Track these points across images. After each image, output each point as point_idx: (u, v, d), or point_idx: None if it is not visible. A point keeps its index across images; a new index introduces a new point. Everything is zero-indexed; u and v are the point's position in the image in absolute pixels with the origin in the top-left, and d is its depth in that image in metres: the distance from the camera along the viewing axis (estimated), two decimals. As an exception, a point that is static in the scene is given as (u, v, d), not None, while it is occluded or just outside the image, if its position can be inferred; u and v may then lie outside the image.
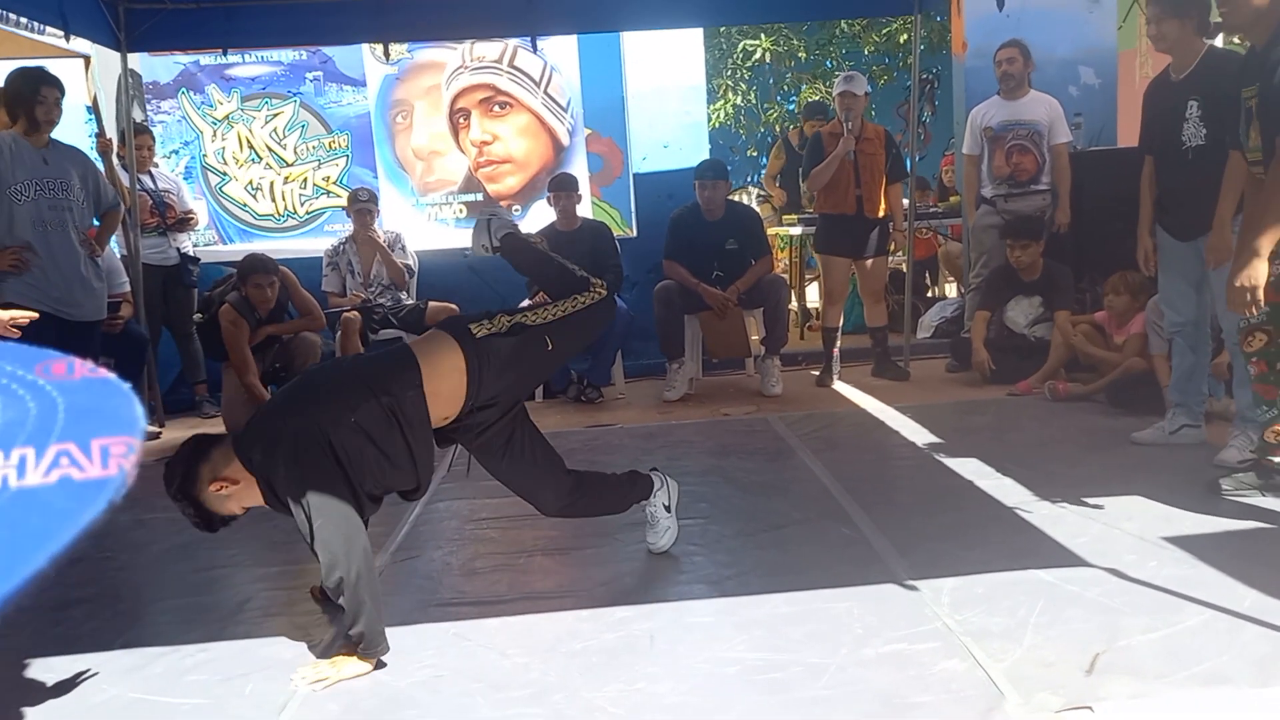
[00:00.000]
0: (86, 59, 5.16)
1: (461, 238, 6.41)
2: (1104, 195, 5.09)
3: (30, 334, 3.88)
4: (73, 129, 4.11)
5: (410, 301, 5.69)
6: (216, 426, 5.29)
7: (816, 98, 9.89)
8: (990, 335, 5.28)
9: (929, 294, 7.57)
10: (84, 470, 0.31)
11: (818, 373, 5.64)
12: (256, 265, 4.91)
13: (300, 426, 2.24)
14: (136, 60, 5.91)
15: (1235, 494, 3.15)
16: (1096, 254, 5.27)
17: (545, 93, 6.36)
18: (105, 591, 2.99)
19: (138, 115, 5.92)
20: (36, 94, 3.86)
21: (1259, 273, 2.85)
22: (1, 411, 0.33)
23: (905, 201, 5.86)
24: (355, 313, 5.39)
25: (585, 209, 5.99)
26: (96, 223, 4.48)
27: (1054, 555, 2.73)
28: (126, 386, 0.35)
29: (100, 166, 4.54)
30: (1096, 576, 2.56)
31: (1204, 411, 3.86)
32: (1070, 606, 2.38)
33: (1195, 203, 3.52)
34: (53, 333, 3.97)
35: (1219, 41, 4.19)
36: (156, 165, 5.76)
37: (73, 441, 0.32)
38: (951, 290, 7.66)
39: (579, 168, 6.31)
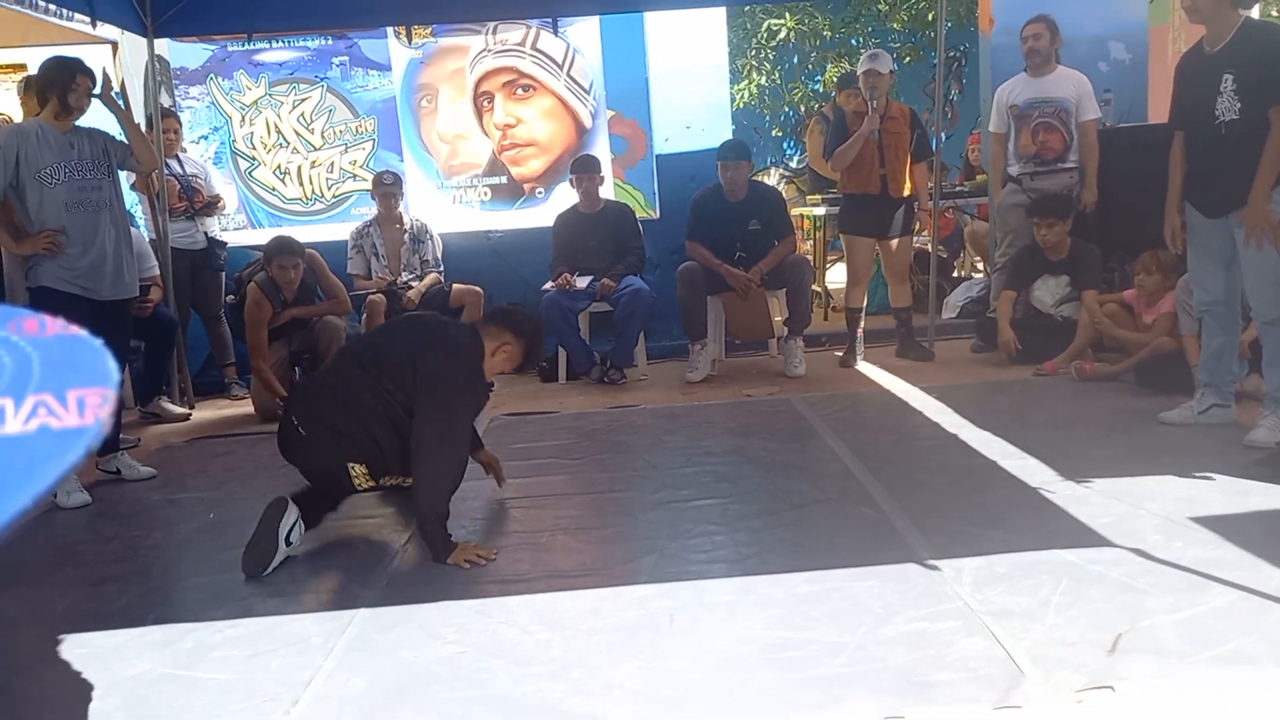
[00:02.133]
0: (114, 45, 5.21)
1: (485, 220, 6.44)
2: (1133, 173, 5.01)
3: (63, 313, 3.95)
4: (102, 115, 4.15)
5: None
6: (245, 408, 5.37)
7: (844, 73, 9.80)
8: (1016, 315, 5.23)
9: (954, 274, 7.50)
10: (61, 419, 0.32)
11: (841, 353, 5.62)
12: (282, 247, 4.97)
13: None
14: (164, 47, 5.96)
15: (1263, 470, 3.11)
16: (1125, 233, 5.20)
17: (568, 75, 6.35)
18: (136, 569, 3.05)
19: (165, 101, 5.97)
20: (71, 80, 3.92)
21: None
22: None
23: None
24: (380, 295, 5.43)
25: (608, 191, 5.99)
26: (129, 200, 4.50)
27: (1077, 535, 2.71)
28: (97, 342, 0.36)
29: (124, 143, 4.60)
30: (1120, 556, 2.54)
31: (1234, 391, 3.80)
32: (1093, 586, 2.37)
33: (1227, 179, 3.45)
34: (85, 313, 4.04)
35: (1255, 12, 4.10)
36: (184, 150, 5.82)
37: (49, 392, 0.33)
38: (978, 270, 7.58)
39: (601, 150, 6.30)
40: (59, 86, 3.91)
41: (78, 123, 4.02)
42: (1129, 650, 2.05)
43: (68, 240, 3.95)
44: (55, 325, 0.36)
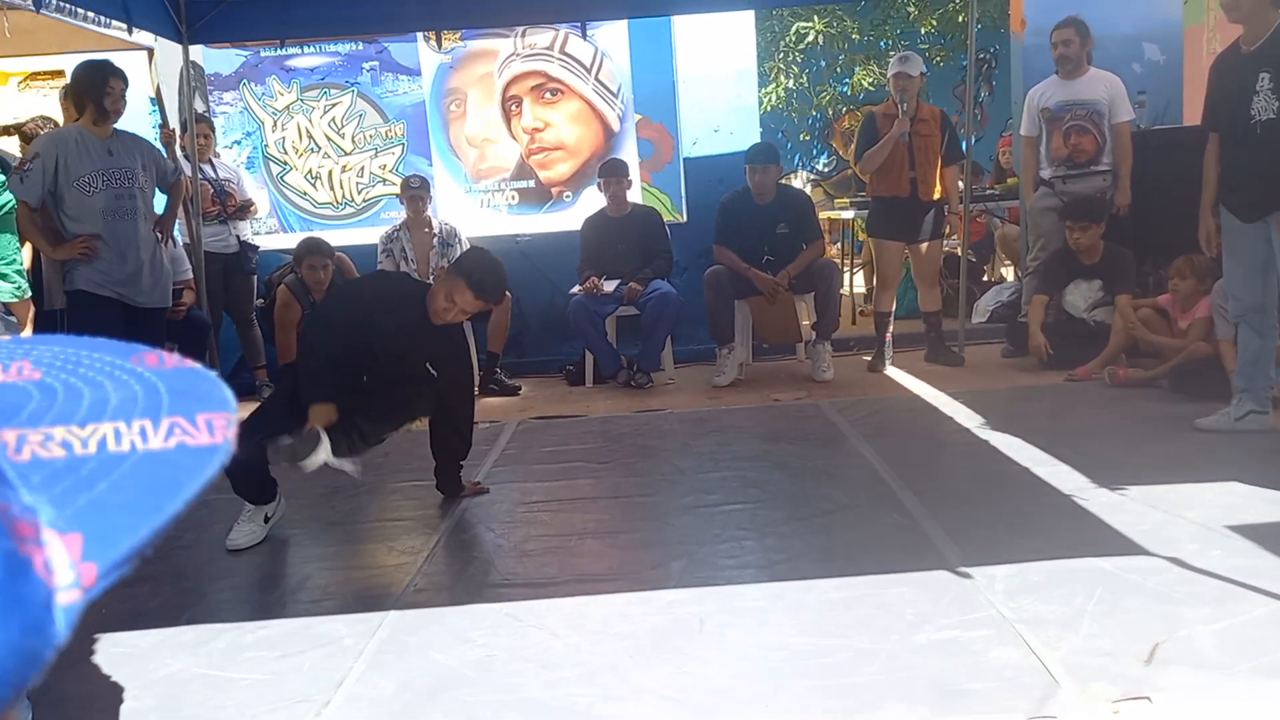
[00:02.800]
0: (150, 51, 5.29)
1: (513, 224, 6.46)
2: (1168, 175, 4.94)
3: (99, 319, 4.02)
4: (137, 120, 4.22)
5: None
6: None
7: (870, 80, 9.74)
8: (1048, 319, 5.17)
9: (984, 278, 7.43)
10: (195, 438, 0.35)
11: (870, 358, 5.58)
12: (311, 248, 5.06)
13: None
14: (199, 53, 6.04)
15: None
16: (1159, 236, 5.12)
17: (596, 79, 6.36)
18: (170, 569, 3.09)
19: (199, 106, 6.05)
20: (105, 84, 3.98)
21: None
22: (113, 392, 0.37)
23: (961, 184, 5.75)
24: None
25: (635, 195, 5.99)
26: (161, 204, 4.59)
27: (1113, 543, 2.68)
28: (211, 373, 0.39)
29: (161, 151, 4.67)
30: (1157, 565, 2.51)
31: (1271, 397, 3.74)
32: (1129, 595, 2.34)
33: (1263, 180, 3.40)
34: (120, 319, 4.10)
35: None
36: (217, 155, 5.89)
37: (181, 415, 0.36)
38: (1008, 274, 7.51)
39: (629, 153, 6.30)
40: (94, 91, 3.97)
41: (116, 126, 4.08)
42: (1166, 661, 2.02)
43: (105, 247, 4.01)
44: (172, 359, 0.40)
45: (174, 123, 5.47)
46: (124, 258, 4.03)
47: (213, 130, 5.85)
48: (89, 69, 4.05)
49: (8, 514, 0.30)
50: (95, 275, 4.01)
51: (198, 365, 0.40)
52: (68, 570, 0.31)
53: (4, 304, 3.86)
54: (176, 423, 0.35)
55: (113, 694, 2.22)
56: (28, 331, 2.93)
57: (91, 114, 4.00)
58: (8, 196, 3.88)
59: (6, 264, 3.91)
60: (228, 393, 0.38)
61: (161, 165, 4.40)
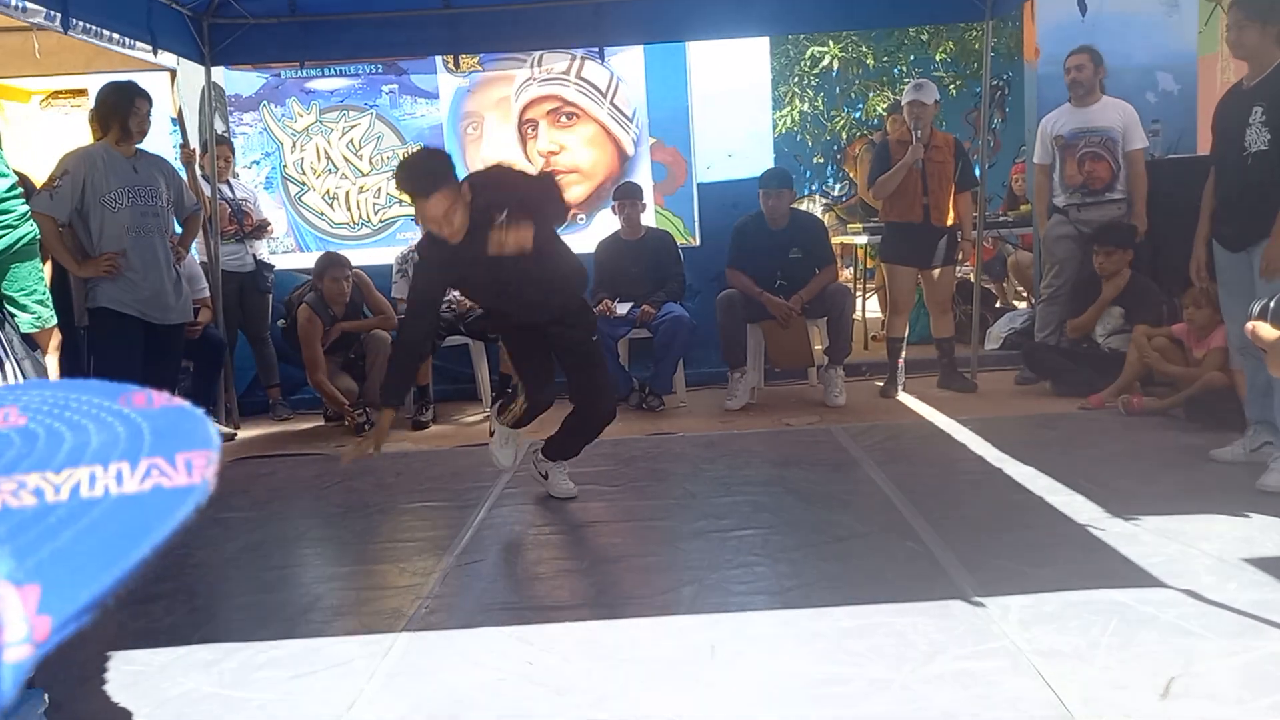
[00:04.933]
0: (172, 73, 5.36)
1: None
2: (1182, 204, 4.92)
3: (121, 335, 4.06)
4: (158, 140, 4.29)
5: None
6: (289, 429, 5.44)
7: (884, 105, 9.78)
8: (1063, 344, 5.17)
9: (996, 303, 7.43)
10: (172, 479, 0.35)
11: (882, 384, 5.57)
12: (332, 261, 5.27)
13: None
14: (220, 74, 6.11)
15: None
16: (1174, 265, 5.11)
17: (611, 103, 6.41)
18: (182, 588, 3.10)
19: (220, 127, 6.12)
20: (131, 105, 4.05)
21: None
22: (96, 434, 0.37)
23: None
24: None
25: (649, 218, 6.01)
26: (178, 229, 4.67)
27: (1128, 575, 2.66)
28: (200, 411, 0.40)
29: (183, 175, 4.73)
30: (1172, 598, 2.49)
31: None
32: (1145, 628, 2.32)
33: (1249, 211, 3.42)
34: (140, 336, 4.14)
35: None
36: (236, 175, 5.96)
37: (160, 456, 0.36)
38: (1020, 304, 7.50)
39: (643, 177, 6.34)
40: (120, 112, 4.03)
41: (141, 146, 4.15)
42: (1182, 695, 2.00)
43: (128, 264, 4.05)
44: (160, 398, 0.41)
45: (194, 143, 5.53)
46: (146, 275, 4.08)
47: (233, 152, 5.92)
48: (115, 90, 4.12)
49: None
50: (118, 293, 4.05)
51: (185, 404, 0.40)
52: (21, 624, 0.31)
53: (27, 335, 3.91)
54: (155, 464, 0.36)
55: (125, 713, 2.23)
56: (53, 358, 2.95)
57: (116, 133, 4.06)
58: (29, 227, 3.94)
59: (27, 294, 3.96)
60: (212, 430, 0.39)
61: (183, 192, 4.46)
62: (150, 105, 4.17)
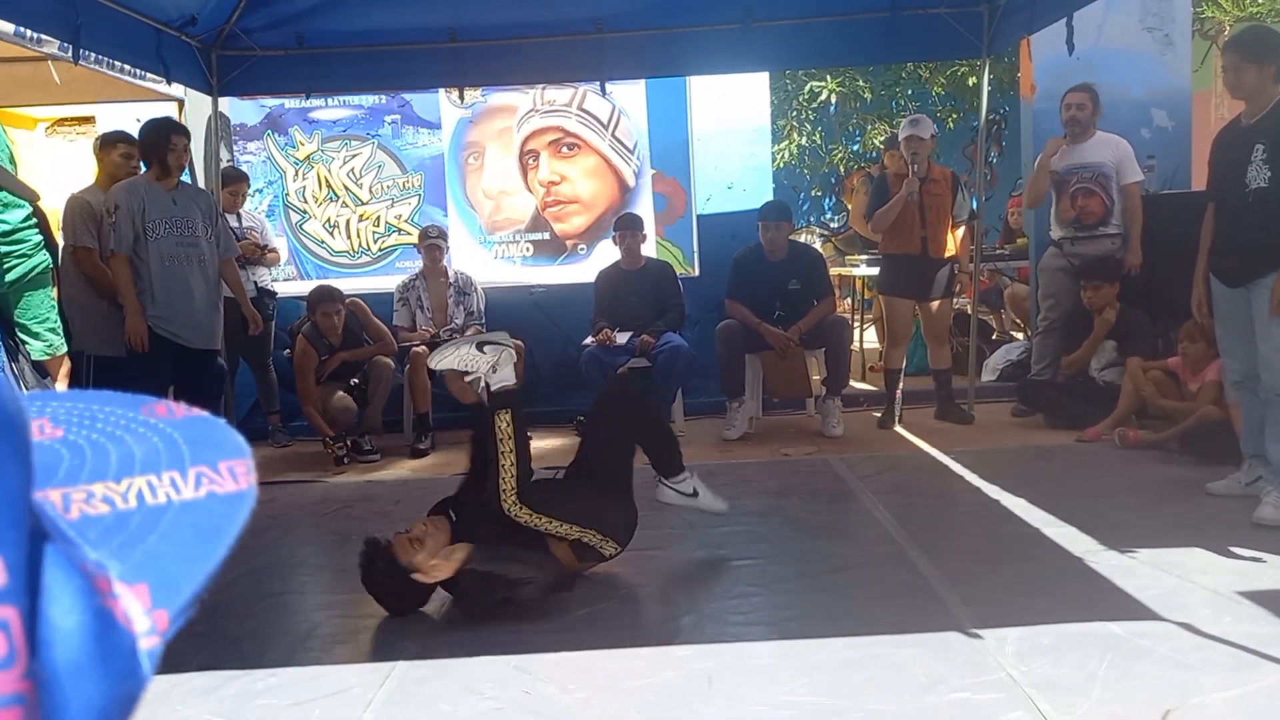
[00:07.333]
0: (180, 102, 5.43)
1: (527, 275, 6.54)
2: (1177, 239, 4.97)
3: (153, 356, 4.21)
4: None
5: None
6: (288, 455, 5.45)
7: (881, 139, 9.89)
8: (1059, 379, 5.20)
9: (993, 336, 7.47)
10: (223, 486, 0.36)
11: (880, 414, 5.60)
12: (323, 295, 5.28)
13: None
14: (225, 104, 6.19)
15: None
16: (1169, 299, 5.16)
17: (613, 135, 6.48)
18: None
19: (224, 155, 6.18)
20: (167, 142, 4.23)
21: None
22: (135, 446, 0.37)
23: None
24: (424, 347, 5.53)
25: (649, 248, 6.06)
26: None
27: (1124, 607, 2.67)
28: (221, 420, 0.40)
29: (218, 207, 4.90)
30: (1169, 631, 2.50)
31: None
32: (1141, 661, 2.33)
33: (1250, 247, 3.46)
34: (172, 358, 4.27)
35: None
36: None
37: (205, 465, 0.36)
38: (1019, 335, 7.55)
39: (644, 208, 6.40)
40: (159, 149, 4.20)
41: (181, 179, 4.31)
42: (1178, 728, 2.01)
43: (162, 291, 4.22)
44: (180, 409, 0.40)
45: (199, 171, 5.61)
46: (179, 301, 4.25)
47: (249, 187, 6.00)
48: (153, 128, 4.32)
49: (90, 572, 0.32)
50: (153, 320, 4.30)
51: (205, 413, 0.40)
52: (144, 618, 0.33)
53: (37, 363, 3.98)
54: (202, 472, 0.36)
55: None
56: (62, 385, 3.00)
57: (156, 170, 4.23)
58: (43, 257, 4.04)
59: (39, 322, 4.06)
60: (241, 439, 0.39)
61: (224, 230, 4.62)
62: (187, 139, 4.34)
